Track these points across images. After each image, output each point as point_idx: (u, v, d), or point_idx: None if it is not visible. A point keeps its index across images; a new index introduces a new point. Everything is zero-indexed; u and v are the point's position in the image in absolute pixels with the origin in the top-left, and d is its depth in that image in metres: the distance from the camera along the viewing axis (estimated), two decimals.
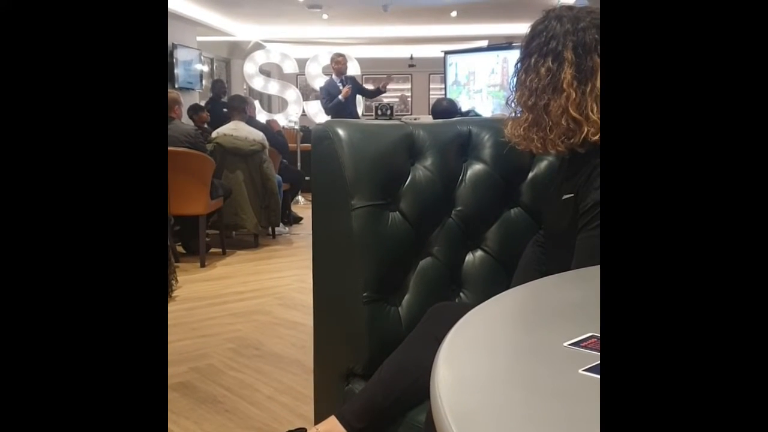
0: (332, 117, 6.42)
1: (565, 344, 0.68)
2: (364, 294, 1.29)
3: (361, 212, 1.30)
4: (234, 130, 4.52)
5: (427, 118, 9.63)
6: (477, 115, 3.93)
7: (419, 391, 1.19)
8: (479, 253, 1.45)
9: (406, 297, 1.35)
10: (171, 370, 2.36)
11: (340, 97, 6.24)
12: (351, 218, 1.30)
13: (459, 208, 1.42)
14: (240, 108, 4.73)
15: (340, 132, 1.32)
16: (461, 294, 1.43)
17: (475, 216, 1.43)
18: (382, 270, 1.32)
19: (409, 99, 12.40)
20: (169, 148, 3.87)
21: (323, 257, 1.40)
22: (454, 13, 8.21)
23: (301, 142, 7.15)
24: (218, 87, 7.02)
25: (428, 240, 1.40)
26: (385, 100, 11.05)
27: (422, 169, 1.39)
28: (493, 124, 1.50)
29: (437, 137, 1.43)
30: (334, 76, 6.42)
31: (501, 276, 1.44)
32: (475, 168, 1.45)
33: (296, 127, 7.44)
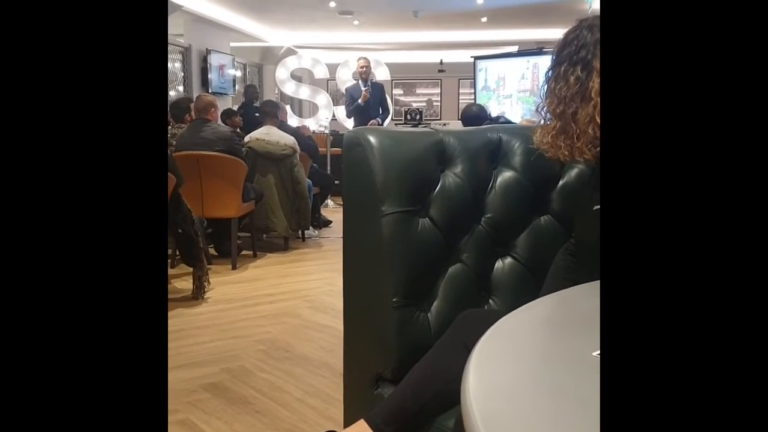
0: (354, 120, 6.47)
1: (594, 354, 0.68)
2: (394, 299, 1.31)
3: (392, 218, 1.32)
4: (266, 134, 4.58)
5: (457, 123, 9.59)
6: (507, 120, 3.92)
7: (448, 397, 1.20)
8: (509, 260, 1.46)
9: (436, 303, 1.36)
10: (203, 371, 2.41)
11: (359, 101, 6.27)
12: (381, 224, 1.32)
13: (489, 215, 1.43)
14: (272, 113, 4.79)
15: (371, 139, 1.34)
16: (490, 301, 1.44)
17: (504, 223, 1.44)
18: (411, 276, 1.33)
19: (438, 104, 12.39)
20: (203, 153, 3.95)
21: (354, 262, 1.42)
22: (484, 19, 8.19)
23: (331, 147, 7.22)
24: (251, 92, 7.11)
25: (458, 246, 1.40)
26: (414, 105, 11.08)
27: (452, 176, 1.40)
28: (523, 132, 1.50)
29: (467, 144, 1.44)
30: (359, 81, 6.46)
31: (530, 284, 1.44)
32: (505, 175, 1.45)
33: (326, 131, 7.50)
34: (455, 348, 1.23)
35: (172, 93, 7.35)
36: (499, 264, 1.45)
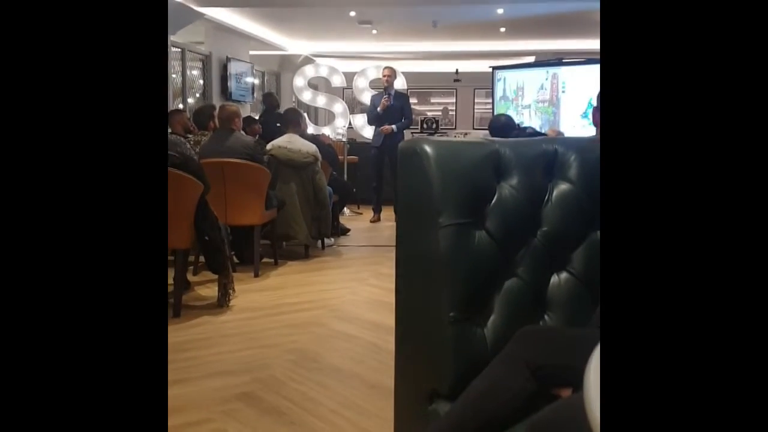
0: (375, 128, 6.45)
1: None
2: (451, 314, 1.28)
3: (449, 230, 1.30)
4: (288, 142, 4.58)
5: (476, 133, 9.53)
6: (535, 131, 3.89)
7: (509, 415, 1.18)
8: (564, 275, 1.43)
9: (492, 318, 1.34)
10: (234, 380, 2.39)
11: (378, 109, 6.26)
12: (438, 236, 1.29)
13: (545, 229, 1.41)
14: (295, 121, 4.79)
15: (428, 149, 1.32)
16: (545, 316, 1.41)
17: (560, 237, 1.41)
18: (468, 290, 1.31)
19: (453, 113, 12.38)
20: (227, 160, 3.95)
21: (408, 275, 1.39)
22: (503, 29, 8.19)
23: (348, 155, 7.22)
24: (270, 100, 7.09)
25: (513, 260, 1.38)
26: (429, 114, 11.08)
27: (508, 188, 1.37)
28: (579, 143, 1.48)
29: (523, 156, 1.41)
30: (383, 90, 6.46)
31: (586, 300, 1.41)
32: (561, 188, 1.43)
33: (344, 139, 7.50)
34: (515, 366, 1.20)
35: (191, 100, 7.38)
36: (554, 279, 1.42)
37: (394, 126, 6.24)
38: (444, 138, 1.59)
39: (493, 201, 1.35)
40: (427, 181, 1.31)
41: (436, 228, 1.30)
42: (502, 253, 1.35)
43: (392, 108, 6.24)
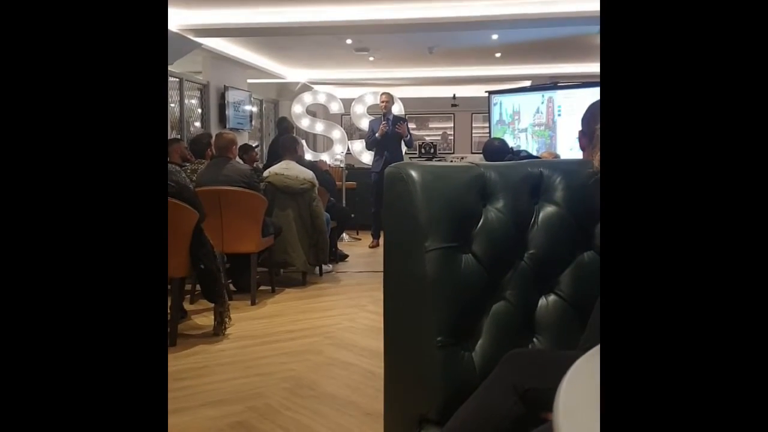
0: (374, 153, 6.49)
1: None
2: (438, 338, 1.28)
3: (435, 254, 1.30)
4: (285, 169, 4.60)
5: (473, 157, 9.57)
6: (529, 154, 3.91)
7: None
8: (552, 297, 1.42)
9: (480, 342, 1.33)
10: (228, 409, 2.36)
11: (376, 134, 6.31)
12: (425, 260, 1.30)
13: (531, 251, 1.41)
14: (292, 148, 4.82)
15: (413, 174, 1.33)
16: (534, 339, 1.40)
17: (548, 259, 1.41)
18: (456, 314, 1.30)
19: (452, 137, 12.44)
20: (224, 188, 3.96)
21: (395, 300, 1.39)
22: (498, 54, 8.27)
23: (346, 180, 7.24)
24: (285, 124, 7.00)
25: (501, 283, 1.38)
26: (428, 139, 11.14)
27: (494, 211, 1.38)
28: (565, 166, 1.49)
29: (508, 179, 1.42)
30: (382, 115, 6.51)
31: (575, 321, 1.40)
32: (548, 210, 1.43)
33: (342, 165, 7.54)
34: (503, 389, 1.19)
35: (189, 129, 7.43)
36: (542, 301, 1.42)
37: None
38: (429, 162, 1.60)
39: (480, 224, 1.36)
40: (413, 206, 1.32)
41: (423, 252, 1.30)
42: (489, 276, 1.35)
43: (391, 133, 6.29)
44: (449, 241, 1.31)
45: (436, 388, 1.28)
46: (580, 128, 1.69)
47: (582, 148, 1.69)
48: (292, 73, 9.58)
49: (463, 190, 1.36)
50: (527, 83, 9.53)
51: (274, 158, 5.58)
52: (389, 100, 6.45)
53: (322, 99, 8.57)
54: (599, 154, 1.29)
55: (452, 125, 12.36)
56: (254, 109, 9.10)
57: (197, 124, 7.62)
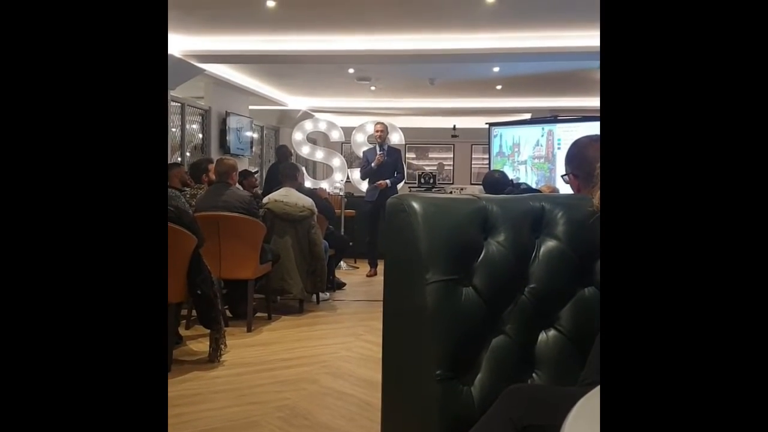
0: (368, 183, 6.49)
1: None
2: (437, 372, 1.27)
3: (436, 287, 1.29)
4: (285, 196, 4.61)
5: (472, 188, 9.59)
6: (529, 187, 3.93)
7: None
8: (552, 332, 1.41)
9: (479, 376, 1.32)
10: None
11: (373, 164, 6.32)
12: (425, 293, 1.29)
13: (532, 285, 1.40)
14: (291, 175, 4.84)
15: (415, 206, 1.33)
16: (534, 374, 1.39)
17: (548, 294, 1.40)
18: (455, 347, 1.29)
19: (450, 168, 12.50)
20: (223, 214, 3.96)
21: (395, 331, 1.38)
22: (499, 87, 8.36)
23: (345, 208, 7.24)
24: (283, 151, 7.05)
25: (501, 317, 1.37)
26: (427, 168, 11.19)
27: (495, 244, 1.38)
28: (566, 201, 1.49)
29: (510, 212, 1.42)
30: (376, 145, 6.52)
31: (575, 357, 1.39)
32: (549, 245, 1.43)
33: (341, 193, 7.55)
34: (502, 425, 1.18)
35: (189, 154, 7.46)
36: (542, 336, 1.41)
37: (388, 181, 6.29)
38: (431, 194, 1.60)
39: (481, 257, 1.36)
40: (414, 237, 1.31)
41: (423, 284, 1.29)
42: (489, 309, 1.34)
43: (386, 163, 6.30)
44: (450, 274, 1.31)
45: (434, 423, 1.26)
46: (569, 170, 1.68)
47: (577, 190, 1.68)
48: (294, 100, 9.66)
49: (464, 222, 1.36)
50: (527, 116, 9.62)
51: (272, 184, 5.59)
52: (384, 129, 6.45)
53: (322, 127, 8.62)
54: (599, 192, 1.30)
55: (452, 155, 12.43)
56: (255, 135, 9.16)
57: (197, 148, 7.65)
